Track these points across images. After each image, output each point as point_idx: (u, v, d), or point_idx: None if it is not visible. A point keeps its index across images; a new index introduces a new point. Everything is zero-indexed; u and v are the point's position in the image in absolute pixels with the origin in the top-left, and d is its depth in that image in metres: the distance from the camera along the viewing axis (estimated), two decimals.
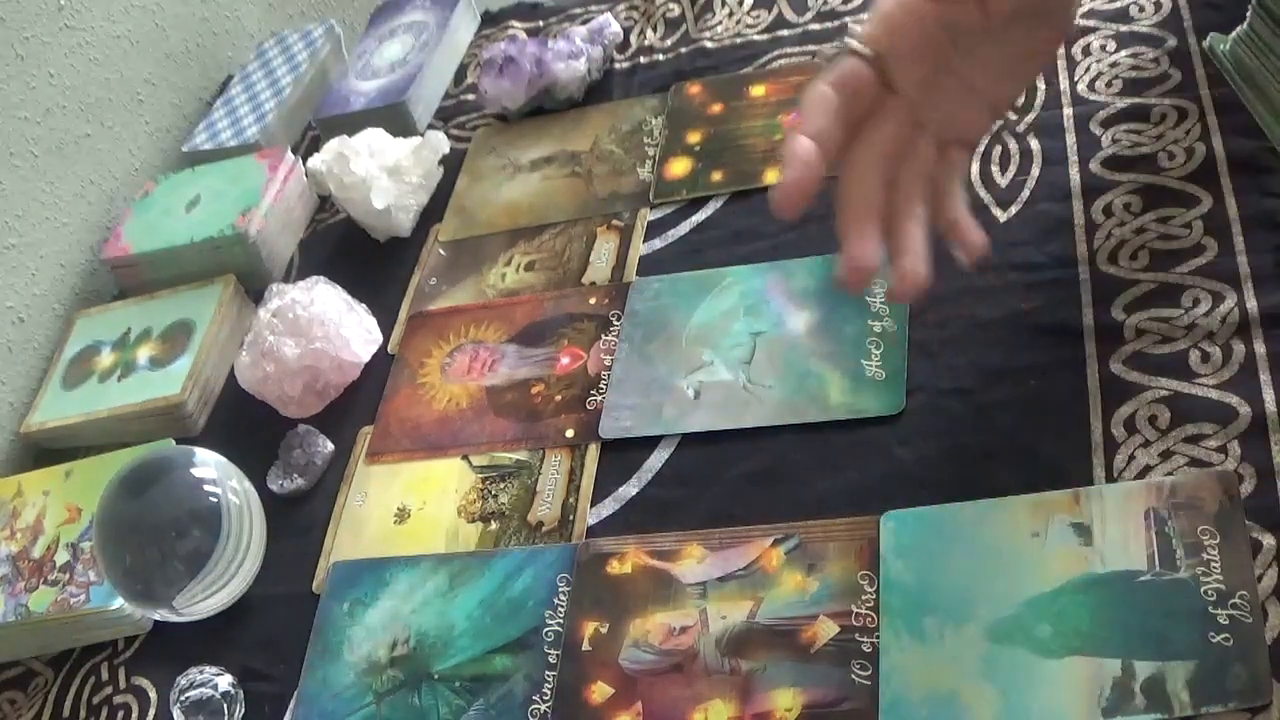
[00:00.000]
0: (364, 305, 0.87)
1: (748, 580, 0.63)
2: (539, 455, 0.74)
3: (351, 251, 0.95)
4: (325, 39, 1.12)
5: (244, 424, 0.86)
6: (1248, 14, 0.54)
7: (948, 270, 0.72)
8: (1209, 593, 0.54)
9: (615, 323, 0.79)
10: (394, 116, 1.00)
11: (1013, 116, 0.78)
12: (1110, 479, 0.59)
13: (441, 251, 0.91)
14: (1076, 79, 0.78)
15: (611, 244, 0.85)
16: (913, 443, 0.65)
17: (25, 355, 0.97)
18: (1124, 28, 0.79)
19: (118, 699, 0.75)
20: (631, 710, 0.61)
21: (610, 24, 0.99)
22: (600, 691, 0.62)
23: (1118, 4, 0.81)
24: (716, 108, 0.90)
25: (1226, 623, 0.52)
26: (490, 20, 1.12)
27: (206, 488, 0.73)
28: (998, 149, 0.77)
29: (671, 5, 1.02)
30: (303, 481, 0.80)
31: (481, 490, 0.74)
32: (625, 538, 0.68)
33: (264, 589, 0.76)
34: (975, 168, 0.77)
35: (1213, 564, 0.54)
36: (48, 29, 1.01)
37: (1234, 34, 0.56)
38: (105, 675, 0.77)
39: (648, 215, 0.85)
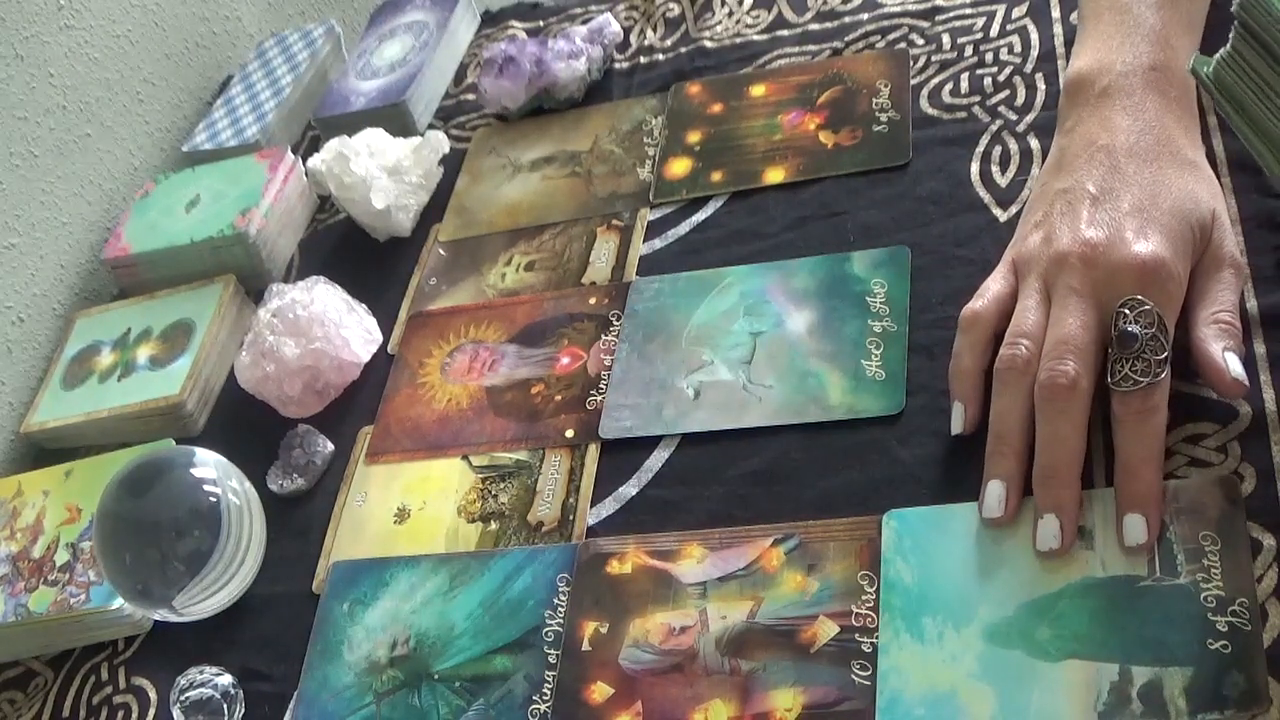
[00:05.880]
0: (364, 305, 0.87)
1: (748, 580, 0.63)
2: (539, 455, 0.74)
3: (351, 251, 0.95)
4: (325, 39, 1.12)
5: (244, 424, 0.86)
6: (1230, 35, 0.53)
7: (947, 270, 0.72)
8: (1208, 599, 0.53)
9: (615, 323, 0.79)
10: (394, 116, 1.00)
11: (1013, 116, 0.78)
12: (1112, 482, 0.59)
13: (441, 251, 0.91)
14: None
15: (611, 244, 0.85)
16: (913, 443, 0.65)
17: (25, 355, 0.97)
18: None
19: (118, 699, 0.75)
20: (631, 710, 0.61)
21: (610, 24, 0.99)
22: (600, 691, 0.62)
23: None
24: (716, 108, 0.90)
25: (1225, 630, 0.52)
26: (490, 20, 1.12)
27: (206, 488, 0.73)
28: (998, 149, 0.77)
29: (671, 5, 1.02)
30: (303, 481, 0.80)
31: (481, 490, 0.74)
32: (625, 538, 0.68)
33: (264, 589, 0.76)
34: (975, 167, 0.77)
35: (1213, 570, 0.54)
36: (48, 29, 1.01)
37: (1217, 56, 0.54)
38: (105, 675, 0.77)
39: (648, 215, 0.85)
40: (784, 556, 0.63)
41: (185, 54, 1.15)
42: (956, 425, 0.63)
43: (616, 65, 1.00)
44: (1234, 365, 0.56)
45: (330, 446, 0.81)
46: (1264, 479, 0.56)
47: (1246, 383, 0.56)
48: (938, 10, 0.88)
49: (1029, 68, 0.81)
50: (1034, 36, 0.82)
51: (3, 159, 0.97)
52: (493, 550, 0.71)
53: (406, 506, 0.75)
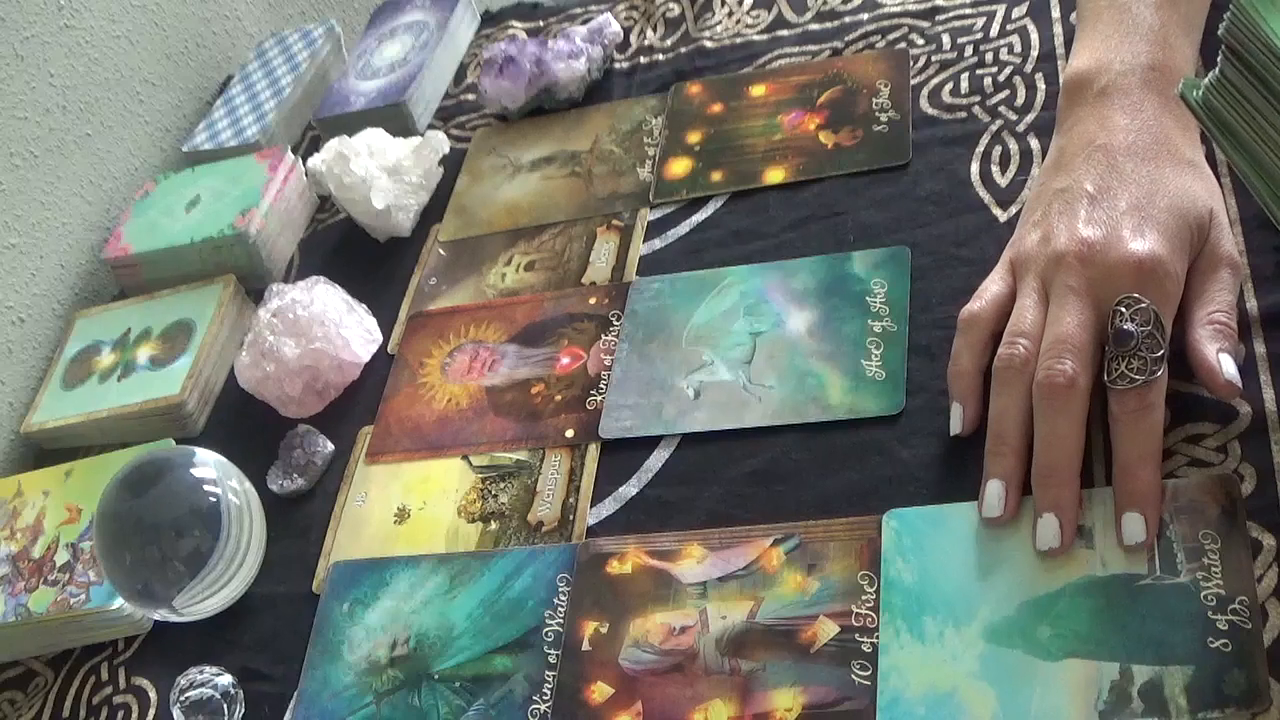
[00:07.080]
0: (364, 305, 0.87)
1: (748, 580, 0.63)
2: (539, 455, 0.74)
3: (351, 251, 0.95)
4: (325, 39, 1.12)
5: (244, 424, 0.86)
6: (1218, 59, 0.52)
7: (947, 270, 0.72)
8: (1209, 598, 0.53)
9: (615, 323, 0.79)
10: (394, 116, 1.00)
11: (1013, 116, 0.78)
12: (1112, 481, 0.59)
13: (441, 251, 0.91)
14: None
15: (611, 244, 0.85)
16: (913, 443, 0.65)
17: (25, 355, 0.97)
18: None
19: (118, 699, 0.75)
20: (631, 710, 0.61)
21: (610, 24, 0.99)
22: (600, 691, 0.62)
23: None
24: (716, 108, 0.90)
25: (1225, 628, 0.52)
26: (490, 20, 1.12)
27: (206, 488, 0.73)
28: (998, 149, 0.77)
29: (671, 5, 1.02)
30: (303, 481, 0.80)
31: (481, 490, 0.74)
32: (625, 538, 0.68)
33: (264, 589, 0.76)
34: (975, 167, 0.77)
35: (1213, 569, 0.54)
36: (48, 29, 1.01)
37: (1205, 80, 0.53)
38: (105, 675, 0.77)
39: (648, 215, 0.85)
40: (784, 556, 0.63)
41: (185, 54, 1.15)
42: (955, 426, 0.63)
43: (616, 65, 1.00)
44: (1227, 366, 0.56)
45: (330, 446, 0.81)
46: (1264, 479, 0.56)
47: (1240, 384, 0.56)
48: (938, 10, 0.88)
49: (1029, 68, 0.81)
50: (1034, 36, 0.83)
51: (3, 159, 0.97)
52: (493, 550, 0.71)
53: (406, 506, 0.75)
